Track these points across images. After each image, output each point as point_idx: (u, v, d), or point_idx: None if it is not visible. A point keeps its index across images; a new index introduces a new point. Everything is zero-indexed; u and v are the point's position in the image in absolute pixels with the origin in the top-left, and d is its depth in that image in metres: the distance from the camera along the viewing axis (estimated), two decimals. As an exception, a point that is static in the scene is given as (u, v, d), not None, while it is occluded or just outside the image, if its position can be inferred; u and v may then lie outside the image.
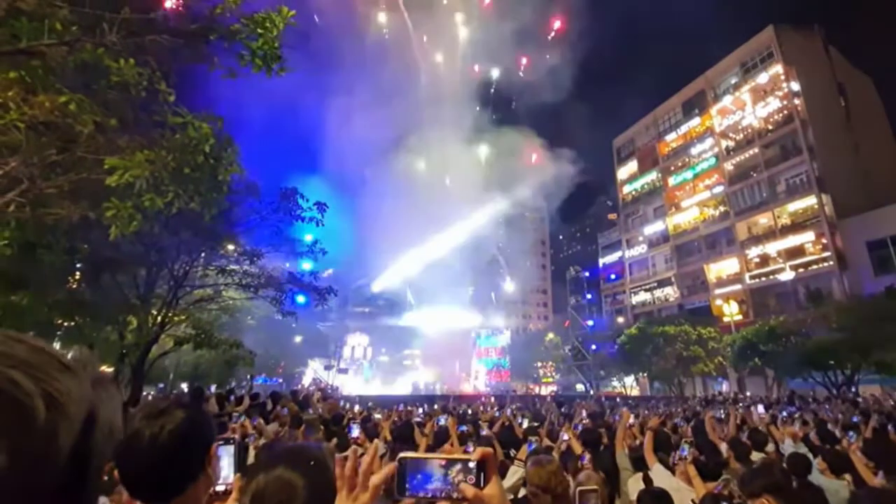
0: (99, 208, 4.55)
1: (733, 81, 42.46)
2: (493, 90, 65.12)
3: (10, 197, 4.43)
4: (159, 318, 11.52)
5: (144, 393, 13.42)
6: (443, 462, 0.80)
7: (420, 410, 13.35)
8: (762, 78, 39.34)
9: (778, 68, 38.05)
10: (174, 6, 4.96)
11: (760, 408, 11.15)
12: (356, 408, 13.53)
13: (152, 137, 5.04)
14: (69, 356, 0.49)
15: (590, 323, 47.30)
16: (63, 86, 4.11)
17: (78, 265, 10.97)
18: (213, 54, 4.36)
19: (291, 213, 12.22)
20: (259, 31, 3.94)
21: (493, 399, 24.48)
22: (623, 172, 54.27)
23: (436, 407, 15.38)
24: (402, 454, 0.83)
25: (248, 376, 26.89)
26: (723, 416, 10.72)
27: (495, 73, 64.81)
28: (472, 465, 0.79)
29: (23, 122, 3.80)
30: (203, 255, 12.60)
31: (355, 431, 5.54)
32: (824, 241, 33.47)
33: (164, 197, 4.76)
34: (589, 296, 49.47)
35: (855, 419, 9.18)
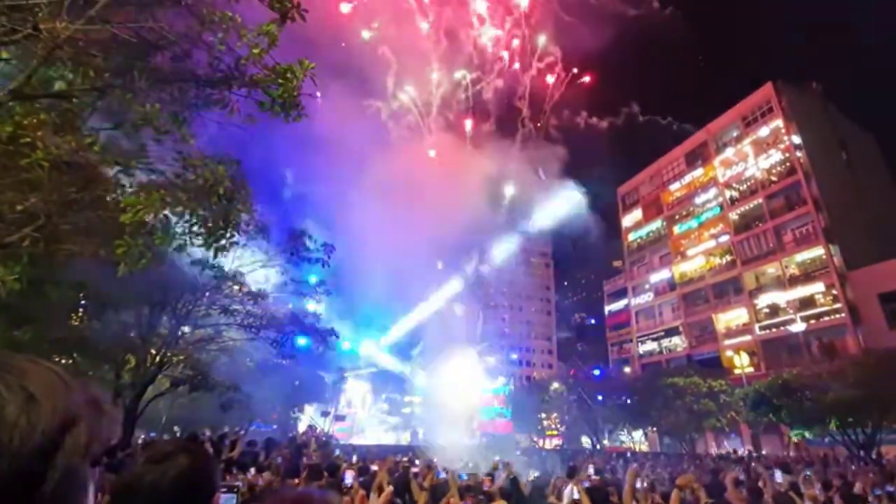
0: (110, 245, 4.63)
1: (735, 134, 43.57)
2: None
3: (26, 232, 4.52)
4: (158, 358, 11.35)
5: (136, 435, 13.02)
6: None
7: (418, 461, 12.79)
8: (763, 131, 40.39)
9: (778, 122, 39.12)
10: (195, 44, 5.20)
11: (778, 474, 8.79)
12: (354, 458, 13.01)
13: (168, 178, 5.20)
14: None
15: (595, 372, 46.01)
16: (89, 126, 4.30)
17: (83, 301, 10.97)
18: (234, 100, 4.57)
19: (299, 254, 12.30)
20: (280, 81, 4.16)
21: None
22: (628, 220, 54.73)
23: (435, 459, 14.73)
24: None
25: (248, 422, 26.10)
26: (742, 477, 10.06)
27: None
28: None
29: (47, 161, 3.93)
30: (207, 294, 12.59)
31: (348, 479, 5.47)
32: (835, 292, 33.03)
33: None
34: (594, 344, 48.55)
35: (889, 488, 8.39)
